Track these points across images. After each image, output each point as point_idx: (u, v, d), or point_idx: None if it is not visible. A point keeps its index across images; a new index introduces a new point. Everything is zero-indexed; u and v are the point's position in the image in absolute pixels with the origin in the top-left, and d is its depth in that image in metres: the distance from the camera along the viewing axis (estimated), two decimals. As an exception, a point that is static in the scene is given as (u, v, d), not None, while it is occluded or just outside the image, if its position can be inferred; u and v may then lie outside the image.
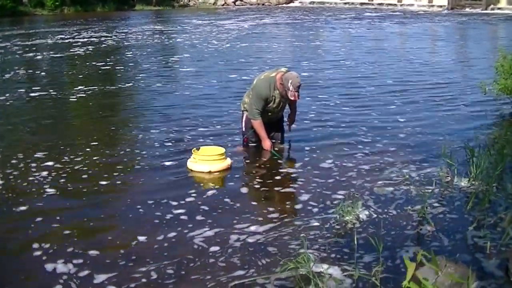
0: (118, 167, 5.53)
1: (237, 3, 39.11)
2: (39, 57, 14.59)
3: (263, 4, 38.63)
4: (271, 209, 4.49)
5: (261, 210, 4.47)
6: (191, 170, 5.42)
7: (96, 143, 6.40)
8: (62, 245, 3.86)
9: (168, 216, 4.34)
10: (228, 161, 5.49)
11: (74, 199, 4.79)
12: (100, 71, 12.18)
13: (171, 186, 5.03)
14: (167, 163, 5.63)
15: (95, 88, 9.95)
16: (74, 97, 9.21)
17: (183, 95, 9.31)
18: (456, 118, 7.43)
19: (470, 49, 15.93)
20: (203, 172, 5.34)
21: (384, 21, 24.75)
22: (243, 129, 6.05)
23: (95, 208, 4.59)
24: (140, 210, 4.48)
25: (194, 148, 5.54)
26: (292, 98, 5.59)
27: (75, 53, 15.12)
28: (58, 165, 5.56)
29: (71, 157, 5.82)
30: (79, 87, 9.94)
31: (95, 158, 5.81)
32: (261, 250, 3.75)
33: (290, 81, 5.50)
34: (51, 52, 15.32)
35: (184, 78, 11.03)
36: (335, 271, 3.43)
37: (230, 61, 13.16)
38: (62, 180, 5.17)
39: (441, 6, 31.37)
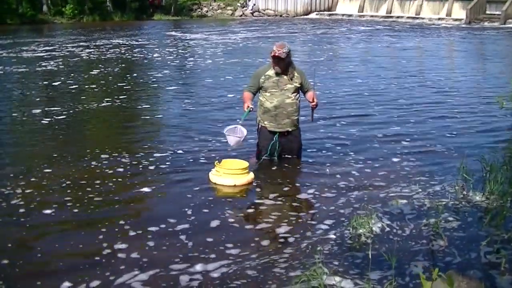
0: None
1: (255, 14, 39.33)
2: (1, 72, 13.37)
3: (281, 16, 38.77)
4: (283, 220, 4.51)
5: (278, 220, 4.49)
6: (215, 183, 5.28)
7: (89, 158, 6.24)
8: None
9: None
10: (251, 175, 5.39)
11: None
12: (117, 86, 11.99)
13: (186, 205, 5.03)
14: (147, 190, 5.21)
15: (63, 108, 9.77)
16: (48, 119, 8.26)
17: (185, 104, 9.33)
18: (473, 133, 7.38)
19: (487, 64, 15.82)
20: (228, 185, 5.20)
21: (400, 34, 24.67)
22: (258, 140, 6.06)
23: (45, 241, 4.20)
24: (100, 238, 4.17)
25: (216, 161, 5.43)
26: (272, 54, 5.70)
27: (46, 69, 14.02)
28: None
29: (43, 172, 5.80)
30: (49, 107, 9.14)
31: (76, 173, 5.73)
32: (275, 263, 3.76)
33: (274, 45, 5.77)
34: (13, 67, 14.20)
35: (181, 91, 11.05)
36: (347, 284, 3.43)
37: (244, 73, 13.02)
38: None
39: (459, 20, 31.22)
